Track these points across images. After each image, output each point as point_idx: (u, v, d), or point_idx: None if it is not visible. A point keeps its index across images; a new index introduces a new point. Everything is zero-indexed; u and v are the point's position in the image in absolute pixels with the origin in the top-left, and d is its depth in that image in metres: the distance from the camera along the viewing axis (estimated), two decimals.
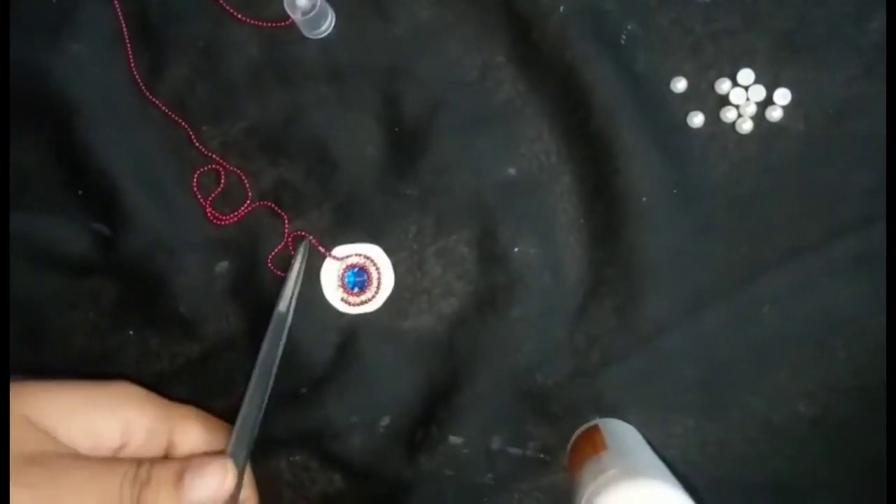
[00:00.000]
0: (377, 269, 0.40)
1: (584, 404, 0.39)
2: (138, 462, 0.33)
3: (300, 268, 0.40)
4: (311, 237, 0.41)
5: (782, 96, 0.39)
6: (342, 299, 0.40)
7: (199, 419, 0.37)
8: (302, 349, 0.40)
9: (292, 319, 0.39)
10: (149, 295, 0.41)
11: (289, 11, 0.38)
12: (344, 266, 0.41)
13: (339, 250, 0.41)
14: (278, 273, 0.40)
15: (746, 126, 0.39)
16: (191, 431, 0.36)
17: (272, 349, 0.38)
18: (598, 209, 0.40)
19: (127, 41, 0.41)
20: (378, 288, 0.40)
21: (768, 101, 0.39)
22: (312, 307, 0.41)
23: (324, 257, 0.41)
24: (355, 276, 0.41)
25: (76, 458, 0.32)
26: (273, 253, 0.40)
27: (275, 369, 0.38)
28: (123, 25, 0.41)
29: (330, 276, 0.41)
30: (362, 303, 0.40)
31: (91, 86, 0.41)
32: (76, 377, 0.41)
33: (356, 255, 0.41)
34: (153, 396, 0.36)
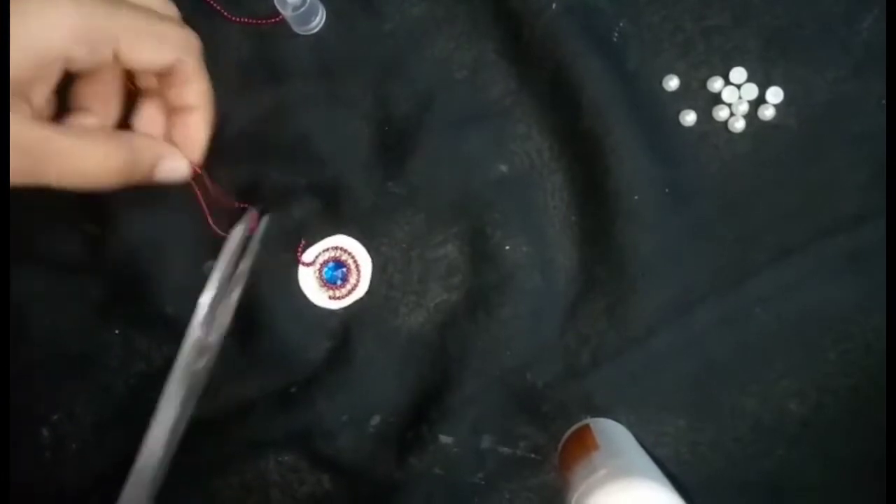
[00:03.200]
0: (352, 256, 0.40)
1: (575, 404, 0.39)
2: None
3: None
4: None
5: (774, 95, 0.39)
6: (330, 297, 0.40)
7: (147, 29, 0.33)
8: (291, 348, 0.40)
9: (283, 319, 0.39)
10: (135, 294, 0.40)
11: (279, 8, 0.38)
12: (319, 264, 0.40)
13: (309, 254, 0.40)
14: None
15: (739, 125, 0.39)
16: (138, 47, 0.32)
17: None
18: (589, 208, 0.40)
19: None
20: (359, 274, 0.40)
21: (760, 100, 0.39)
22: (300, 307, 0.40)
23: (297, 264, 0.40)
24: (333, 270, 0.40)
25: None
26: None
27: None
28: None
29: (308, 280, 0.40)
30: (348, 293, 0.40)
31: None
32: (61, 376, 0.41)
33: (325, 250, 0.40)
34: None
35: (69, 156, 0.32)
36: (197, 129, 0.37)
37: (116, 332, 0.41)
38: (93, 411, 0.41)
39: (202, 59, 0.36)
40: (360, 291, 0.40)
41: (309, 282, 0.40)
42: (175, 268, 0.40)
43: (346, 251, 0.40)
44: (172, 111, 0.36)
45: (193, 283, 0.40)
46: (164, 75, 0.35)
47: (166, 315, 0.40)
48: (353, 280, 0.40)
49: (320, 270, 0.40)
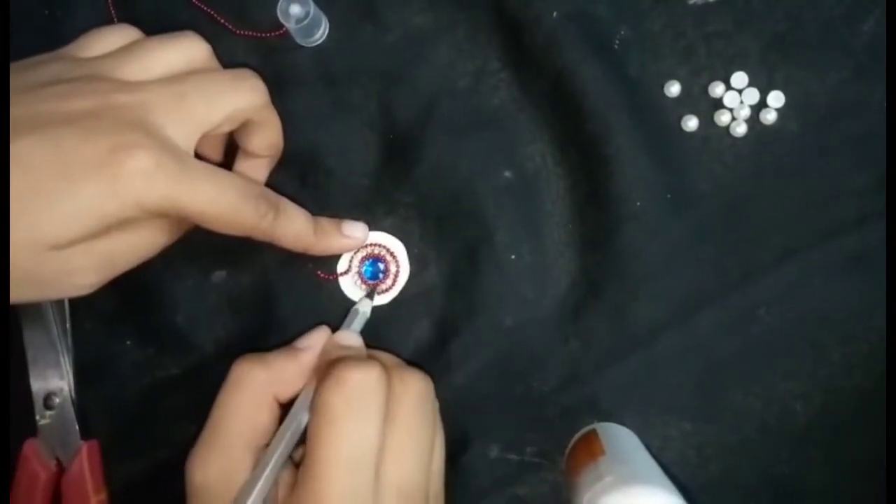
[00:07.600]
0: (381, 246, 0.40)
1: (581, 409, 0.39)
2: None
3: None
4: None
5: (776, 99, 0.39)
6: (379, 293, 0.40)
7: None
8: None
9: (297, 332, 0.39)
10: (145, 304, 0.41)
11: (282, 20, 0.38)
12: (355, 269, 0.41)
13: (342, 263, 0.41)
14: (327, 277, 0.40)
15: (740, 129, 0.39)
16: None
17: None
18: (591, 213, 0.40)
19: None
20: (396, 259, 0.40)
21: (762, 104, 0.39)
22: (316, 310, 0.41)
23: (334, 277, 0.41)
24: (371, 267, 0.40)
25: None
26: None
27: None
28: None
29: (351, 287, 0.41)
30: (394, 280, 0.40)
31: None
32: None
33: (354, 253, 0.40)
34: None
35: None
36: (256, 175, 0.38)
37: (128, 342, 0.41)
38: (105, 421, 0.41)
39: (271, 107, 0.36)
40: (405, 274, 0.40)
41: (352, 289, 0.41)
42: (184, 277, 0.41)
43: (374, 244, 0.40)
44: (239, 148, 0.38)
45: (203, 292, 0.41)
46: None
47: (177, 325, 0.41)
48: (393, 268, 0.40)
49: (359, 273, 0.41)
